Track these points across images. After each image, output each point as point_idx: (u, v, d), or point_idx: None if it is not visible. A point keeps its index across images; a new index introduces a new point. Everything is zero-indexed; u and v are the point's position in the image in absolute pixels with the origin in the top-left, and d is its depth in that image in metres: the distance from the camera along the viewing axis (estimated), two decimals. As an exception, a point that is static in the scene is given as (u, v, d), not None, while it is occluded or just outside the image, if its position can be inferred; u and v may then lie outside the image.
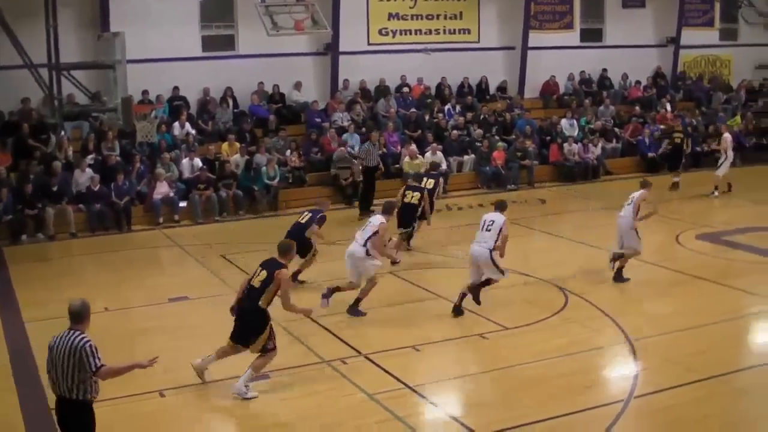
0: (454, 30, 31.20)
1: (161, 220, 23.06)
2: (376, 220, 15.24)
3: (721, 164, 25.96)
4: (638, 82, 34.06)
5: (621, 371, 12.71)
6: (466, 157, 27.82)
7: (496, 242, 14.77)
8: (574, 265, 18.28)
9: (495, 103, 31.00)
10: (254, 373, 11.67)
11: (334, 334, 14.06)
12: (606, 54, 33.77)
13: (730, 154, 26.06)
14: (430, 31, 30.79)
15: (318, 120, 27.54)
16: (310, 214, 17.08)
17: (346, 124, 27.43)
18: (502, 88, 31.84)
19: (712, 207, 24.24)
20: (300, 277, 17.06)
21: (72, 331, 8.52)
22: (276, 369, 12.12)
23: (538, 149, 28.40)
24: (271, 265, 11.73)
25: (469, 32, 31.39)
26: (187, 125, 25.95)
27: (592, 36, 34.03)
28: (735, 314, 15.11)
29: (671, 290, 16.60)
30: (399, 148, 26.72)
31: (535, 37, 31.88)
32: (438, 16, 30.85)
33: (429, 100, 29.72)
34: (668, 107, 32.59)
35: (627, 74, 34.12)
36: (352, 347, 13.40)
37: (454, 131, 28.18)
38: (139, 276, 18.24)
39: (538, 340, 13.79)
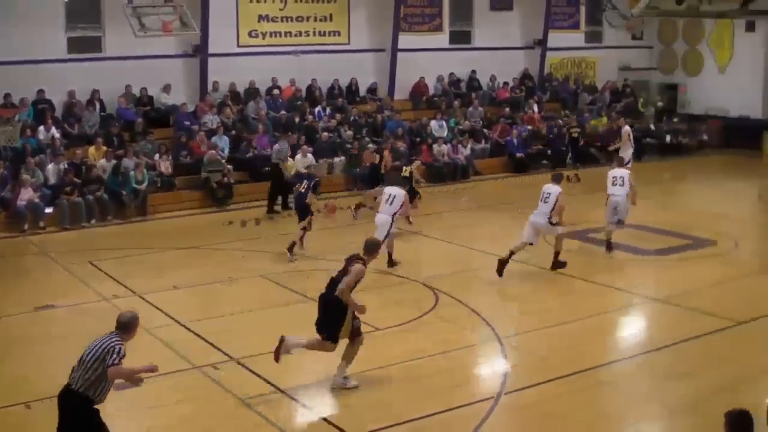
0: (325, 32, 31.20)
1: (26, 226, 22.40)
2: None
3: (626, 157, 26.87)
4: (506, 84, 34.63)
5: (491, 369, 12.91)
6: (336, 159, 27.84)
7: (552, 211, 17.28)
8: (445, 265, 18.47)
9: (365, 104, 31.11)
10: (347, 363, 12.00)
11: (204, 339, 13.90)
12: (475, 56, 34.24)
13: (632, 144, 27.23)
14: (300, 33, 30.72)
15: (187, 123, 27.19)
16: (307, 182, 19.13)
17: (215, 126, 27.15)
18: (372, 90, 31.96)
19: (578, 205, 24.68)
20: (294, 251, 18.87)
21: (113, 334, 8.90)
22: (146, 376, 11.91)
23: (408, 150, 28.62)
24: (351, 259, 12.04)
25: (339, 34, 31.44)
26: (53, 129, 25.28)
27: (460, 38, 34.44)
28: (601, 310, 15.48)
29: (540, 288, 16.94)
30: (269, 150, 26.55)
31: (405, 39, 32.11)
32: (308, 18, 30.79)
33: (299, 102, 29.65)
34: (536, 108, 33.25)
35: (495, 76, 34.65)
36: (224, 352, 13.27)
37: (325, 133, 28.18)
38: (3, 285, 17.70)
39: (410, 339, 13.89)
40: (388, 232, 17.74)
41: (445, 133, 30.12)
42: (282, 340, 11.96)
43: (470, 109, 32.31)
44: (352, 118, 29.72)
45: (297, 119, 28.76)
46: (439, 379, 12.28)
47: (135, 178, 24.00)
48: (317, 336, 11.96)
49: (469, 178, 28.93)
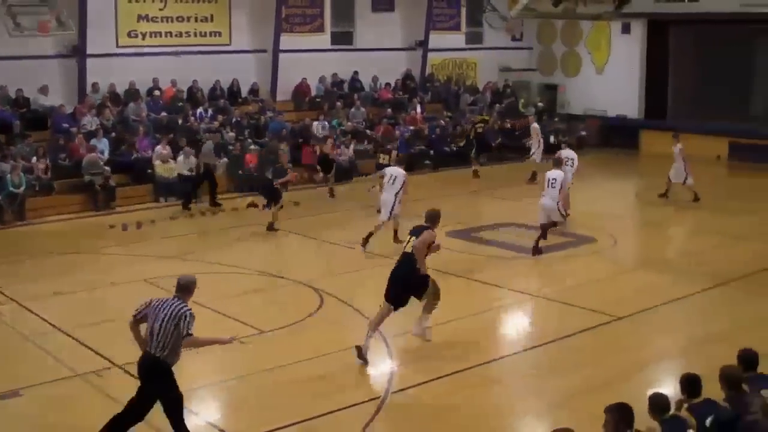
0: (205, 32, 30.87)
1: None
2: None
3: (534, 153, 28.31)
4: (388, 85, 34.80)
5: (378, 368, 12.91)
6: (219, 161, 27.52)
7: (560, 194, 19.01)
8: (330, 266, 18.49)
9: (247, 105, 30.89)
10: (428, 314, 13.44)
11: (86, 346, 13.63)
12: (357, 57, 34.32)
13: (541, 141, 28.41)
14: (181, 34, 30.32)
15: (65, 125, 26.55)
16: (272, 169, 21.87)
17: (94, 128, 26.61)
18: (254, 91, 31.72)
19: (460, 204, 24.98)
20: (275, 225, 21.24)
21: (176, 299, 9.77)
22: (26, 386, 11.68)
23: (291, 151, 28.47)
24: (418, 230, 13.23)
25: (220, 35, 31.14)
26: (-76, 132, 24.51)
27: (342, 39, 34.48)
28: (485, 308, 15.71)
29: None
30: (150, 152, 26.16)
31: (287, 40, 31.99)
32: (189, 19, 30.41)
33: (181, 104, 29.29)
34: (418, 109, 33.48)
35: (377, 77, 34.78)
36: (106, 358, 13.04)
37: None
38: None
39: (295, 341, 13.85)
40: (392, 210, 19.50)
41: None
42: (359, 349, 12.82)
43: (352, 110, 32.36)
44: (234, 119, 29.47)
45: (179, 121, 28.41)
46: (326, 380, 12.28)
47: (12, 182, 23.35)
48: (380, 310, 13.21)
49: (352, 179, 28.95)
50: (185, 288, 9.98)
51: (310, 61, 32.85)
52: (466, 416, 11.25)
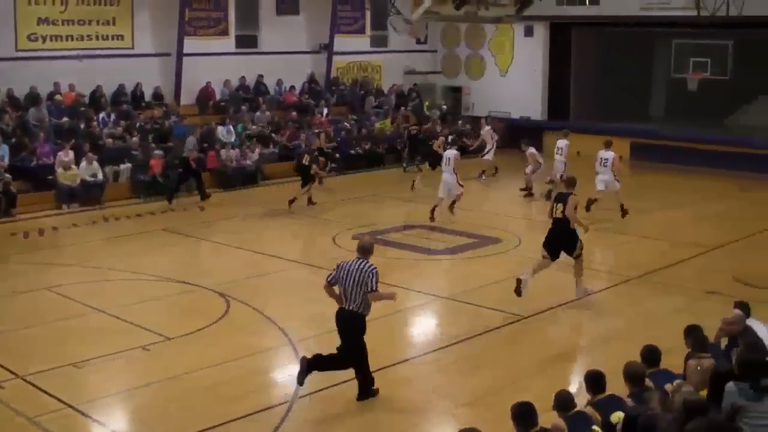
0: (108, 36, 30.36)
1: None
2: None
3: (488, 151, 29.50)
4: (293, 88, 34.71)
5: (285, 373, 12.85)
6: (122, 166, 27.12)
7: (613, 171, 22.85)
8: (235, 271, 18.37)
9: (151, 110, 30.48)
10: (582, 276, 16.19)
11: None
12: (262, 60, 34.13)
13: (494, 141, 29.83)
14: (83, 37, 29.77)
15: (-37, 131, 25.97)
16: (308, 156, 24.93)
17: (-6, 133, 26.02)
18: (158, 95, 31.33)
19: (365, 207, 25.07)
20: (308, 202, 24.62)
21: (360, 260, 11.50)
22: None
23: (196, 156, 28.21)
24: (563, 196, 16.05)
25: (122, 38, 30.67)
26: None
27: (247, 42, 34.24)
28: (391, 310, 15.60)
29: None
30: (52, 158, 25.65)
31: (191, 44, 31.65)
32: (90, 22, 29.88)
33: (83, 108, 28.78)
34: (324, 112, 33.46)
35: (282, 80, 34.66)
36: (8, 369, 12.74)
37: (110, 139, 27.49)
38: None
39: (202, 348, 13.72)
40: (454, 185, 22.97)
41: (233, 138, 29.89)
42: (519, 281, 15.60)
43: (258, 113, 32.20)
44: (138, 124, 29.09)
45: (82, 125, 27.90)
46: (233, 386, 12.19)
47: None
48: (541, 261, 16.16)
49: (258, 183, 28.79)
50: (366, 250, 11.71)
51: (214, 64, 32.57)
52: (376, 418, 11.30)
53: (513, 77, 37.97)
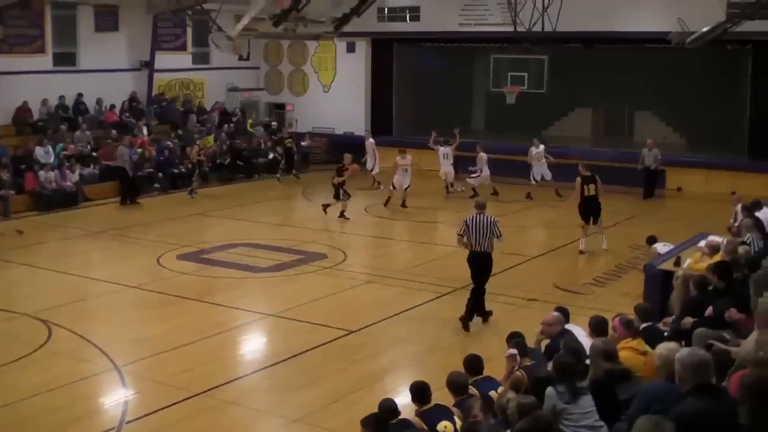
0: None
1: None
2: None
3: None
4: (114, 106, 34.02)
5: (111, 399, 12.63)
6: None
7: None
8: (57, 296, 17.87)
9: (-35, 131, 29.41)
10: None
11: None
12: (81, 78, 33.29)
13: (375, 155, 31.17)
14: None
15: None
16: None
17: None
18: (-28, 115, 30.26)
19: (190, 226, 24.80)
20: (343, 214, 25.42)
21: (483, 215, 15.49)
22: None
23: (13, 178, 27.31)
24: (591, 178, 20.91)
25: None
26: None
27: (65, 60, 33.33)
28: (219, 329, 15.62)
29: (157, 312, 16.79)
30: None
31: (6, 62, 30.59)
32: None
33: None
34: (145, 131, 32.90)
35: (102, 99, 33.92)
36: None
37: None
38: None
39: (23, 377, 13.29)
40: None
41: (52, 159, 29.06)
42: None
43: (77, 133, 31.42)
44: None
45: None
46: (58, 414, 11.88)
47: None
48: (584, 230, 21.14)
49: (78, 205, 28.07)
50: (483, 206, 15.83)
51: (31, 83, 31.55)
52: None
53: (336, 93, 38.26)
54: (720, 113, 33.72)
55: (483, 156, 29.32)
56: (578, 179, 21.23)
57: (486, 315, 15.94)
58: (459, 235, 15.68)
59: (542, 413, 7.37)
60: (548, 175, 28.88)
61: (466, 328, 15.54)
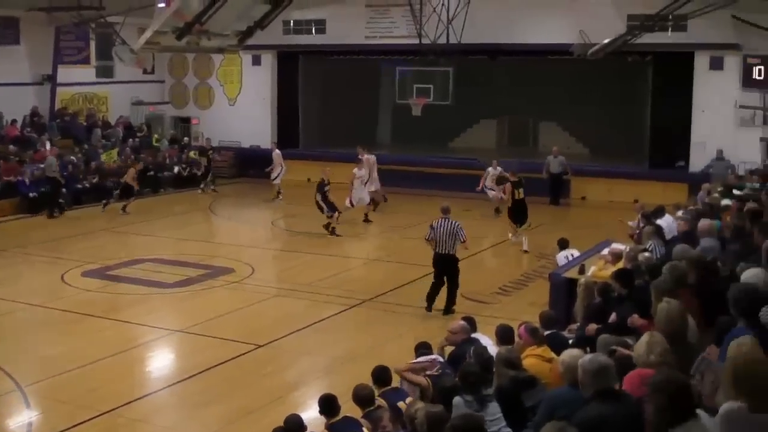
0: None
1: None
2: None
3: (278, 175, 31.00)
4: (15, 121, 33.36)
5: (14, 420, 12.36)
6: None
7: None
8: None
9: None
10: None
11: None
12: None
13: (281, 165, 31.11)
14: None
15: None
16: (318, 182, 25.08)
17: None
18: None
19: (95, 243, 24.44)
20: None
21: (446, 219, 16.89)
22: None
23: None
24: (521, 182, 22.57)
25: None
26: None
27: (-38, 75, 32.69)
28: (125, 346, 15.40)
29: (61, 330, 16.47)
30: None
31: None
32: None
33: None
34: (48, 145, 32.31)
35: (3, 113, 33.24)
36: None
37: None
38: None
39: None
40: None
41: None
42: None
43: (-23, 149, 30.78)
44: None
45: None
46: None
47: None
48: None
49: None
50: (447, 210, 17.19)
51: None
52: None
53: (242, 106, 38.14)
54: (622, 123, 34.49)
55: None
56: (509, 184, 23.28)
57: (450, 308, 17.10)
58: (427, 240, 17.20)
59: (475, 413, 7.41)
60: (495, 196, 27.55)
61: (428, 309, 17.23)
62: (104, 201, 28.94)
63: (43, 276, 20.45)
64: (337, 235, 24.61)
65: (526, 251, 22.77)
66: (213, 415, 12.35)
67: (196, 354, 15.18)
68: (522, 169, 25.43)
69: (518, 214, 23.48)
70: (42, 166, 30.09)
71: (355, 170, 26.58)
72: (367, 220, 27.00)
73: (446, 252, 16.92)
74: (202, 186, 32.87)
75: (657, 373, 6.20)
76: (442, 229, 16.89)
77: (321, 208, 24.84)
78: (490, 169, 28.12)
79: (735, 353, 6.17)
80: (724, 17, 27.16)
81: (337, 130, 36.53)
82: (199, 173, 33.29)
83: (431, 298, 17.22)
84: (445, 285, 17.21)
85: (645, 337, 7.33)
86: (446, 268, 17.12)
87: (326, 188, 24.94)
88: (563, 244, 18.03)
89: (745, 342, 6.32)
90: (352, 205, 26.25)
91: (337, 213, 24.92)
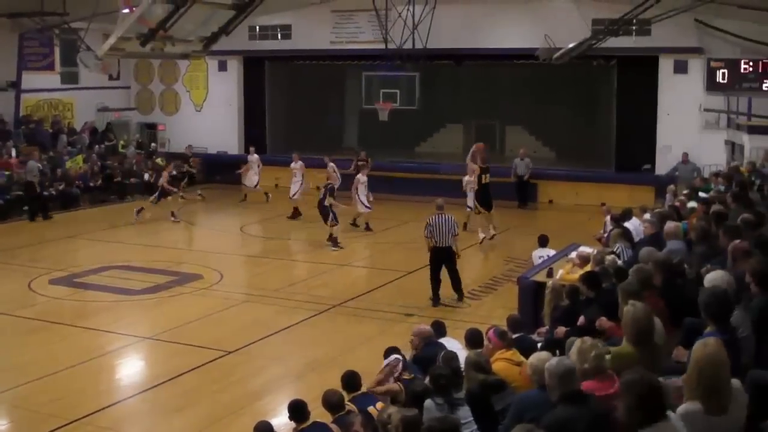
0: None
1: None
2: None
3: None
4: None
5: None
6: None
7: None
8: None
9: None
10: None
11: None
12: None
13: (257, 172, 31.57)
14: None
15: None
16: (324, 189, 24.43)
17: None
18: None
19: (60, 250, 24.31)
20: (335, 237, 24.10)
21: (442, 214, 17.81)
22: None
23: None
24: (487, 168, 24.22)
25: None
26: None
27: None
28: (94, 354, 15.33)
29: (28, 339, 16.31)
30: None
31: None
32: None
33: None
34: (13, 153, 32.10)
35: (-33, 120, 33.06)
36: None
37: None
38: None
39: None
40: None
41: None
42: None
43: (-59, 157, 30.54)
44: None
45: None
46: None
47: None
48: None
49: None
50: (442, 206, 18.11)
51: None
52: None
53: (208, 112, 38.10)
54: (588, 127, 34.70)
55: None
56: (477, 168, 24.89)
57: (461, 293, 18.44)
58: (426, 237, 18.04)
59: (450, 415, 7.46)
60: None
61: (435, 304, 18.09)
62: (136, 209, 28.36)
63: (10, 284, 20.29)
64: (341, 248, 23.99)
65: (493, 236, 24.26)
66: (182, 422, 12.33)
67: (165, 361, 15.13)
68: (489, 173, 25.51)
69: (485, 198, 24.94)
70: (7, 173, 29.92)
71: (359, 176, 26.54)
72: (354, 224, 27.04)
73: (445, 245, 17.86)
74: (182, 194, 32.19)
75: (628, 374, 6.26)
76: (439, 223, 17.79)
77: (327, 215, 24.17)
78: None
79: (699, 354, 6.26)
80: (687, 21, 27.41)
81: (303, 135, 36.50)
82: (184, 181, 32.68)
83: (436, 291, 18.14)
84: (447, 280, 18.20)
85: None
86: (445, 260, 18.02)
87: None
88: (542, 242, 18.14)
89: (710, 342, 6.41)
90: (369, 207, 26.25)
91: (338, 224, 24.42)
